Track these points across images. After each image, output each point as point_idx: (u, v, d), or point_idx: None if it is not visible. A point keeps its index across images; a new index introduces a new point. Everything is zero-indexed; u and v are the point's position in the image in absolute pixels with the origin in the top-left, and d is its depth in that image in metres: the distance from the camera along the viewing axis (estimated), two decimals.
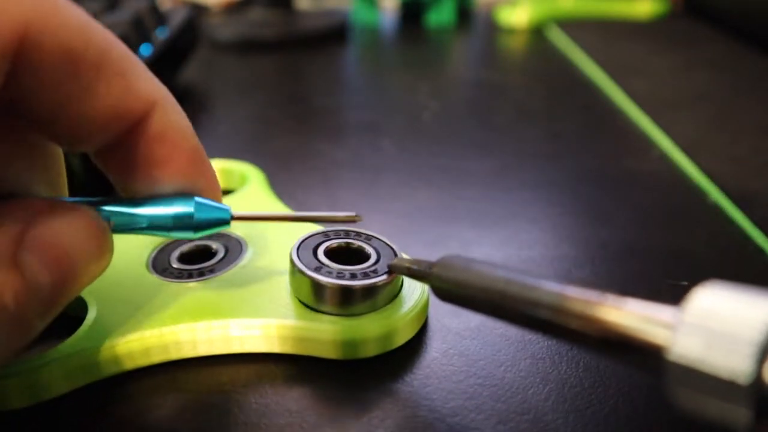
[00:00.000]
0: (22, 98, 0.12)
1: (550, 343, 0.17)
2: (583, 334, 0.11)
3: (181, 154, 0.14)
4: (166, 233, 0.15)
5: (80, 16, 0.12)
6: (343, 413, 0.15)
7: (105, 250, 0.14)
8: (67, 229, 0.13)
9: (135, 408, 0.15)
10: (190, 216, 0.15)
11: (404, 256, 0.18)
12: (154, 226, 0.15)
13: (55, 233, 0.13)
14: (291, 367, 0.16)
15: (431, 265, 0.15)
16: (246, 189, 0.23)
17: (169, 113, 0.14)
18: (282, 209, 0.22)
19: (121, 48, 0.13)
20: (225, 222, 0.15)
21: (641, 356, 0.10)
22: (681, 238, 0.22)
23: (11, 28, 0.11)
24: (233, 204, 0.22)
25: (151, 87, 0.14)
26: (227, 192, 0.25)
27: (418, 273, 0.16)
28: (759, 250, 0.21)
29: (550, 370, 0.16)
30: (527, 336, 0.17)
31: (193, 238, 0.16)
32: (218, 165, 0.25)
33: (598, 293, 0.11)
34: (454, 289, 0.14)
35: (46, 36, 0.12)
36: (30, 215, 0.13)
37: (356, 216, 0.17)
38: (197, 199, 0.15)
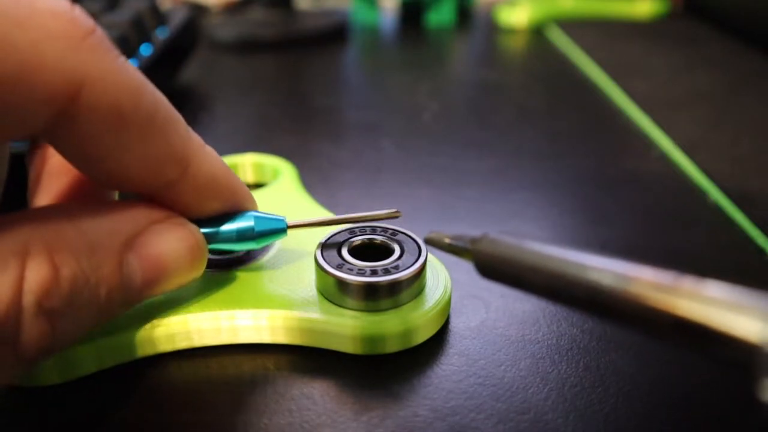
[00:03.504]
0: (63, 143, 0.13)
1: (550, 342, 0.17)
2: (653, 323, 0.09)
3: (220, 197, 0.16)
4: (231, 245, 0.16)
5: (134, 78, 0.13)
6: (343, 413, 0.15)
7: (197, 266, 0.16)
8: (172, 244, 0.15)
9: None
10: (251, 229, 0.16)
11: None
12: (219, 239, 0.16)
13: (160, 243, 0.15)
14: (290, 366, 0.16)
15: (473, 240, 0.14)
16: (277, 183, 0.24)
17: (204, 165, 0.15)
18: (311, 203, 0.22)
19: (166, 109, 0.14)
20: (282, 231, 0.17)
21: (726, 349, 0.09)
22: (681, 238, 0.22)
23: (65, 79, 0.11)
24: (265, 197, 0.22)
25: (188, 145, 0.14)
26: (259, 185, 0.25)
27: (457, 248, 0.15)
28: (759, 250, 0.21)
29: (550, 370, 0.16)
30: (527, 336, 0.17)
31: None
32: (251, 159, 0.26)
33: (672, 274, 0.09)
34: (501, 266, 0.13)
35: (99, 95, 0.12)
36: (148, 221, 0.14)
37: (396, 212, 0.18)
38: (255, 213, 0.16)
